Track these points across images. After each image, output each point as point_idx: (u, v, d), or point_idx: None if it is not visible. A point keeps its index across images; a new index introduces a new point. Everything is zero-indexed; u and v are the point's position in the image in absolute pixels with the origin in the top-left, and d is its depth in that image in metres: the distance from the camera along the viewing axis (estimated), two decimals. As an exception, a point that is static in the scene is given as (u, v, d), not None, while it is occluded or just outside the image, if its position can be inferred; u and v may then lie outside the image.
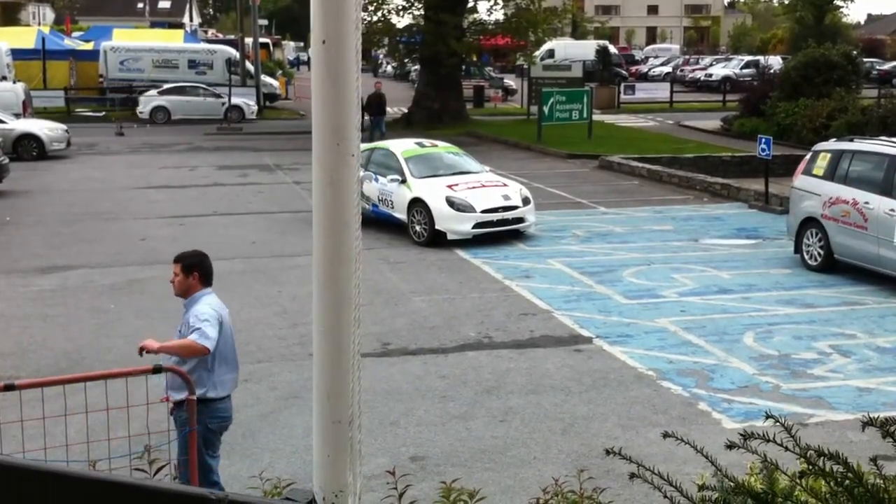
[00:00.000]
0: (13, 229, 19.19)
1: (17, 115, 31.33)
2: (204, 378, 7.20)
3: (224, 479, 7.82)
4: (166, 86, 41.04)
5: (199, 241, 17.74)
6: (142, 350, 7.17)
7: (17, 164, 25.95)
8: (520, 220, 18.01)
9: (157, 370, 7.06)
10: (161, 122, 39.06)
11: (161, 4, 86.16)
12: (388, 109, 35.13)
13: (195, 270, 7.36)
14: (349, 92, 2.57)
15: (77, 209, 21.32)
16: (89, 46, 49.89)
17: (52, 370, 10.76)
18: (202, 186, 24.69)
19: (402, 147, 19.49)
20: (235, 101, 40.85)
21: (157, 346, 7.14)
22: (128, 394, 6.92)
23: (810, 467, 2.48)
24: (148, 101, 40.74)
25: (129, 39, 50.03)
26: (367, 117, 30.84)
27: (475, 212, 17.57)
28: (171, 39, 52.55)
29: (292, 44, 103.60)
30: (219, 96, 41.09)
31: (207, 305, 7.23)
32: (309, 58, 72.86)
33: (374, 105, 31.72)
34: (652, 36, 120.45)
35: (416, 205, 17.89)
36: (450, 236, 17.52)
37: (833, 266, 15.23)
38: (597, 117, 36.22)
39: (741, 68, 59.48)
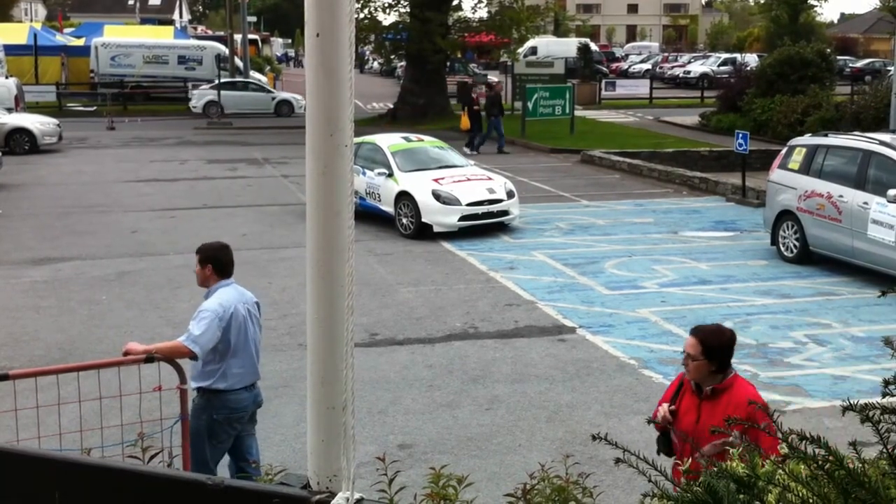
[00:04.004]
0: (5, 222, 19.24)
1: (10, 110, 31.31)
2: (211, 369, 7.26)
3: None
4: (217, 80, 41.36)
5: (189, 233, 17.91)
6: (126, 354, 7.08)
7: (10, 158, 26.01)
8: (504, 212, 18.22)
9: (149, 360, 7.06)
10: (214, 116, 39.22)
11: (151, 1, 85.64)
12: (374, 105, 35.04)
13: (210, 263, 7.38)
14: (342, 84, 2.62)
15: (68, 202, 21.39)
16: (80, 42, 49.80)
17: (45, 360, 10.82)
18: (192, 180, 24.79)
19: (388, 141, 19.65)
20: (285, 95, 41.33)
21: (142, 348, 7.08)
22: (120, 383, 6.87)
23: (791, 451, 2.49)
24: (202, 96, 40.97)
25: (120, 36, 50.05)
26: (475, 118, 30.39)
27: (461, 205, 17.77)
28: (160, 36, 52.48)
29: (280, 40, 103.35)
30: (269, 91, 41.64)
31: (216, 301, 7.25)
32: (291, 55, 72.21)
33: (497, 105, 30.96)
34: (632, 34, 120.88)
35: (403, 198, 18.09)
36: (436, 229, 17.71)
37: (808, 258, 15.46)
38: (579, 113, 36.41)
39: (718, 66, 59.84)
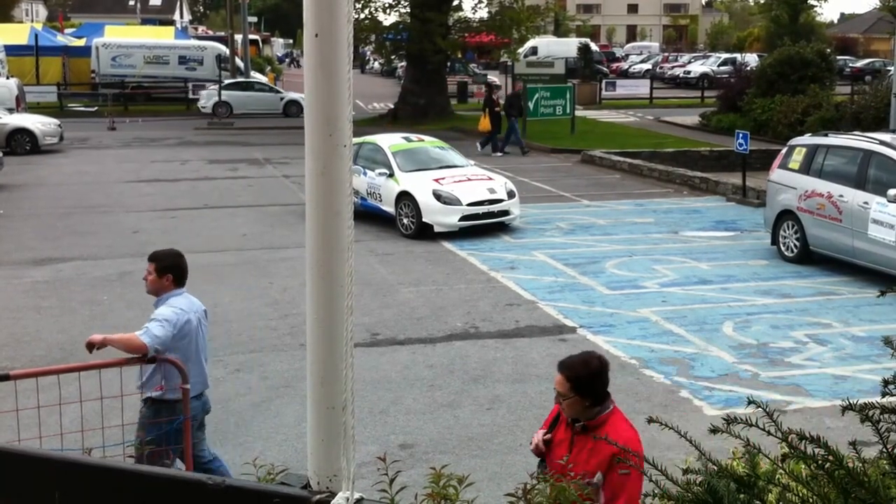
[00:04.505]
0: (7, 222, 19.26)
1: (11, 110, 31.37)
2: (159, 378, 7.14)
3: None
4: (227, 81, 41.30)
5: (190, 233, 17.95)
6: (89, 346, 7.00)
7: (11, 159, 26.05)
8: (505, 212, 18.23)
9: (150, 360, 7.02)
10: (224, 117, 39.45)
11: (152, 2, 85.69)
12: (375, 105, 35.07)
13: (170, 272, 7.25)
14: (341, 84, 2.61)
15: (70, 202, 21.42)
16: (81, 43, 49.86)
17: (46, 360, 10.83)
18: (193, 180, 24.81)
19: (389, 142, 19.67)
20: (294, 96, 41.47)
21: (101, 337, 6.98)
22: (122, 383, 6.93)
23: (792, 451, 2.50)
24: (210, 96, 41.04)
25: (121, 36, 50.13)
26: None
27: (461, 205, 17.78)
28: (161, 36, 52.55)
29: (281, 40, 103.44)
30: (278, 91, 41.70)
31: (170, 307, 7.14)
32: (291, 55, 72.31)
33: (516, 106, 30.93)
34: (632, 34, 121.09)
35: (404, 198, 18.10)
36: (437, 229, 17.73)
37: (809, 257, 15.47)
38: (579, 113, 36.41)
39: (718, 66, 59.90)
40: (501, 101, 31.23)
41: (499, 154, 29.41)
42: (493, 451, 8.87)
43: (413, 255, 16.61)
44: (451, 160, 19.52)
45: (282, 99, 42.02)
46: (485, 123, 30.20)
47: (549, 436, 5.34)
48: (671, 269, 15.37)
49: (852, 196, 14.56)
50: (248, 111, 40.80)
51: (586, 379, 5.15)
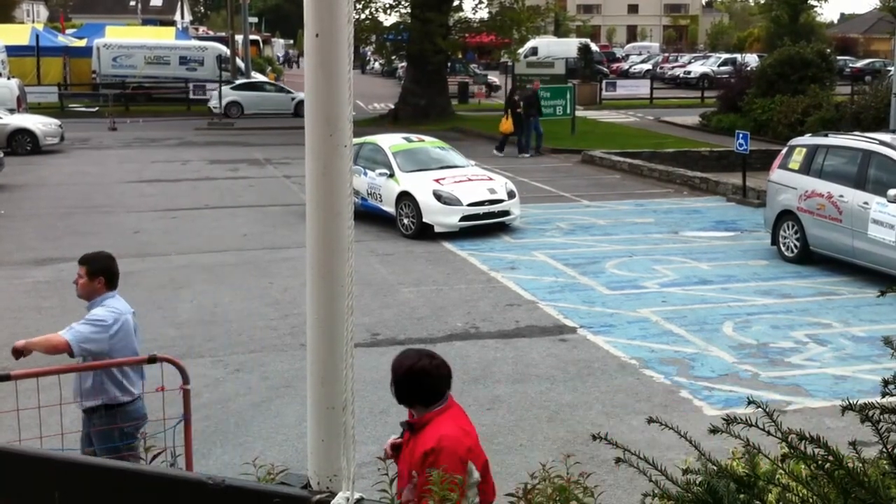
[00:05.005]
0: (8, 222, 19.28)
1: (12, 111, 31.43)
2: (108, 383, 7.03)
3: (217, 467, 7.94)
4: (238, 81, 41.25)
5: (191, 233, 17.97)
6: (16, 353, 6.82)
7: (12, 159, 26.07)
8: (505, 213, 18.24)
9: (151, 360, 7.04)
10: (235, 116, 39.64)
11: (153, 2, 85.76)
12: (376, 105, 35.05)
13: (101, 275, 7.09)
14: (341, 84, 2.61)
15: (70, 202, 21.43)
16: (82, 43, 49.92)
17: (47, 360, 10.88)
18: (194, 180, 24.82)
19: (389, 142, 19.68)
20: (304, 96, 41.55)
21: (23, 343, 6.83)
22: None
23: (791, 451, 2.50)
24: (222, 97, 41.00)
25: (122, 36, 50.19)
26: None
27: (462, 205, 17.79)
28: (162, 37, 52.58)
29: (282, 41, 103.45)
30: (289, 91, 41.81)
31: (105, 308, 7.02)
32: (287, 54, 72.51)
33: (535, 106, 30.51)
34: (632, 34, 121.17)
35: (404, 198, 18.11)
36: (437, 229, 17.74)
37: (809, 258, 15.47)
38: (579, 113, 36.40)
39: (719, 66, 59.92)
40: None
41: (526, 155, 29.37)
42: (493, 451, 8.79)
43: (413, 256, 16.61)
44: (451, 160, 19.53)
45: (293, 99, 42.04)
46: (507, 125, 29.95)
47: (401, 440, 5.23)
48: (671, 270, 15.38)
49: (852, 196, 14.56)
50: (260, 111, 41.03)
51: (402, 377, 4.98)
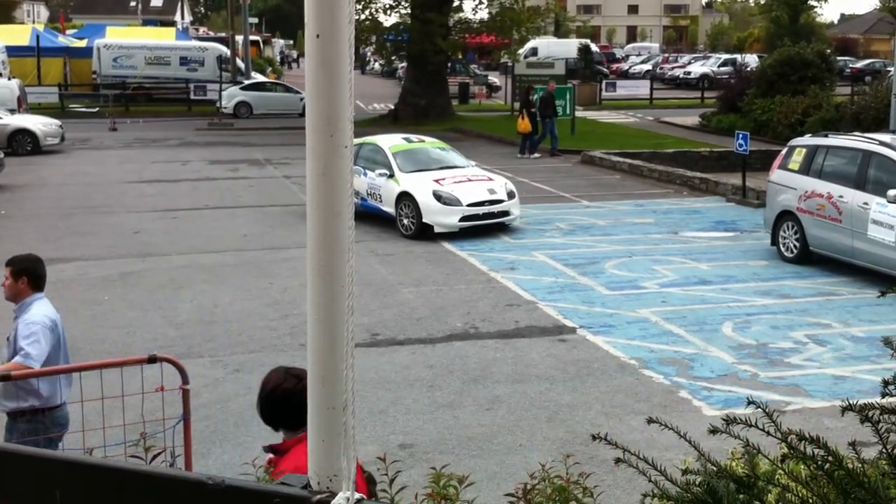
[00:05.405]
0: (8, 222, 19.27)
1: (12, 111, 31.42)
2: (38, 388, 6.99)
3: (217, 467, 7.93)
4: (247, 82, 41.27)
5: (191, 233, 17.99)
6: None
7: (12, 159, 26.05)
8: (505, 213, 18.25)
9: (151, 360, 7.08)
10: (245, 116, 39.88)
11: (153, 3, 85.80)
12: (376, 105, 35.03)
13: (24, 275, 7.08)
14: (342, 85, 2.61)
15: (71, 203, 21.43)
16: (83, 44, 49.91)
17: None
18: (194, 180, 24.82)
19: (389, 142, 19.68)
20: None
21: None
22: (123, 383, 6.87)
23: (791, 451, 2.48)
24: (231, 97, 41.26)
25: (122, 37, 50.18)
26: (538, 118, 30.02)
27: (461, 205, 17.80)
28: (162, 37, 52.55)
29: (282, 41, 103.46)
30: (297, 92, 42.02)
31: (38, 313, 7.03)
32: (283, 54, 72.46)
33: (550, 107, 30.44)
34: (632, 35, 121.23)
35: (404, 199, 18.12)
36: (437, 229, 17.74)
37: (808, 258, 15.48)
38: (579, 114, 36.43)
39: (719, 66, 59.86)
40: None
41: (536, 155, 29.38)
42: (492, 452, 8.88)
43: (413, 256, 16.62)
44: (451, 161, 19.54)
45: (301, 99, 41.96)
46: (524, 125, 29.89)
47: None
48: (671, 270, 15.38)
49: (852, 196, 14.57)
50: (268, 111, 41.16)
51: (265, 398, 4.60)
